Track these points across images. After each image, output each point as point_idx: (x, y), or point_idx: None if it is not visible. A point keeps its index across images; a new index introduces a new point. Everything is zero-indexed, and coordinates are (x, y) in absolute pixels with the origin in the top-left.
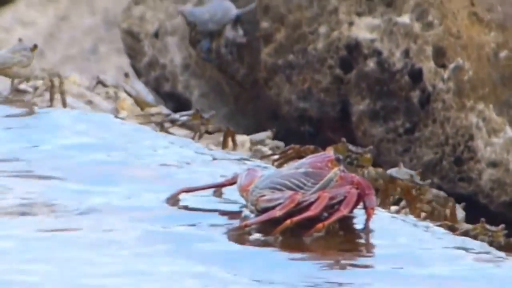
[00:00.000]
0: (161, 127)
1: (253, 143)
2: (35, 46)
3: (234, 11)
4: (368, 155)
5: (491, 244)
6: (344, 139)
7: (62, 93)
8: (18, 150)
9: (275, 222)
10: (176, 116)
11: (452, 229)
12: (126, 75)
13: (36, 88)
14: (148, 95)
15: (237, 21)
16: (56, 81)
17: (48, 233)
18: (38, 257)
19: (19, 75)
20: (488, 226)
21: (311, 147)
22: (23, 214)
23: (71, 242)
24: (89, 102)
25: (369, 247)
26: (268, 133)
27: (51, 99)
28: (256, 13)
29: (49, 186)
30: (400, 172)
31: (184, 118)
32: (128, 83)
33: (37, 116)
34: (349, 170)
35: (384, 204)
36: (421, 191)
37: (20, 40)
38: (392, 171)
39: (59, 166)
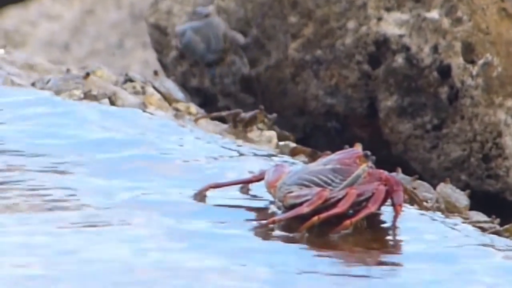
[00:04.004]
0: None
1: None
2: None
3: (222, 28)
4: None
5: None
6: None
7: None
8: (46, 145)
9: (302, 218)
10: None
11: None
12: (155, 73)
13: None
14: (177, 93)
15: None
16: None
17: (76, 228)
18: (67, 252)
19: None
20: None
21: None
22: (51, 209)
23: (99, 237)
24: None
25: (397, 244)
26: None
27: None
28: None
29: (76, 182)
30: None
31: (249, 115)
32: (157, 80)
33: (64, 111)
34: None
35: None
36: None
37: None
38: None
39: (86, 161)
